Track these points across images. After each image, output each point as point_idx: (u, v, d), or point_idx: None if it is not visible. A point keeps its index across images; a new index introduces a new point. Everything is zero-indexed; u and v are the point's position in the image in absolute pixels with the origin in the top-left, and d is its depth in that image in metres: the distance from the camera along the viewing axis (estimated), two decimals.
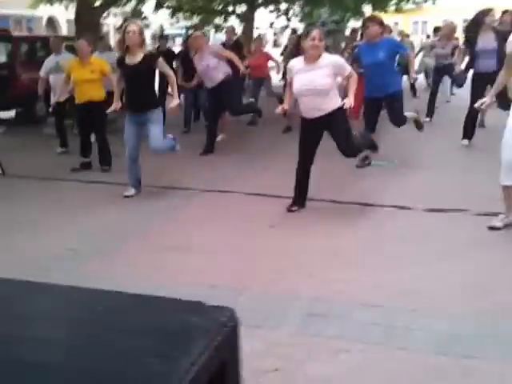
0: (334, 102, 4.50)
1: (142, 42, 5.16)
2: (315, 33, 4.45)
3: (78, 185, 5.99)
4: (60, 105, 7.15)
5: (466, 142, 7.12)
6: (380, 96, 5.86)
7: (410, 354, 2.61)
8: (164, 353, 1.40)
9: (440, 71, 9.35)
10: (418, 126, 6.55)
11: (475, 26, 6.72)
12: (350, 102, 4.46)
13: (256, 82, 9.38)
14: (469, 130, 7.07)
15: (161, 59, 5.30)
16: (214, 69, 6.86)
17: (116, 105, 6.00)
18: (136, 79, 5.11)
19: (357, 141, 4.89)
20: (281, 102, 8.66)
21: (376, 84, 5.78)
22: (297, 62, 4.62)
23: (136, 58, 5.13)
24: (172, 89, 5.57)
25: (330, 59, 4.56)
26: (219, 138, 7.79)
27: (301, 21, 18.20)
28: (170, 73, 5.48)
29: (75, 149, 6.92)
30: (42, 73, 7.64)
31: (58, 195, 5.62)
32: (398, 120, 6.05)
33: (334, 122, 4.52)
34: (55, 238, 4.31)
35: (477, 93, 6.27)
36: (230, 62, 7.06)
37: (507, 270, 3.51)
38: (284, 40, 18.20)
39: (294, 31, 14.53)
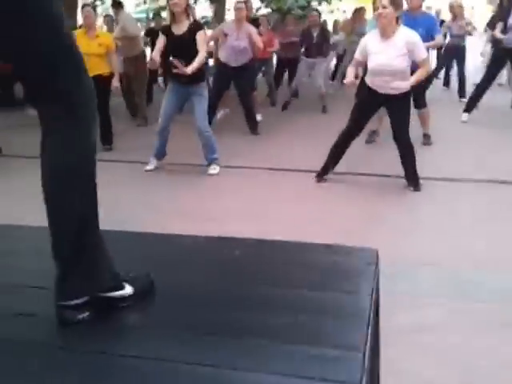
0: (405, 85, 4.35)
1: (187, 10, 5.00)
2: None
3: None
4: None
5: (465, 116, 7.23)
6: None
7: (486, 305, 2.79)
8: (341, 287, 1.49)
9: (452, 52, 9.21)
10: None
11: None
12: (408, 83, 4.33)
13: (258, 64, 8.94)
14: (471, 104, 7.18)
15: (203, 31, 5.09)
16: (244, 50, 6.69)
17: (116, 82, 6.05)
18: (182, 49, 4.92)
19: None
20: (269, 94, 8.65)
21: None
22: (371, 38, 4.49)
23: (182, 27, 4.99)
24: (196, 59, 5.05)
25: (406, 37, 4.31)
26: (220, 113, 7.64)
27: (267, 6, 18.12)
28: (203, 47, 5.11)
29: None
30: None
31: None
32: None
33: (399, 105, 4.47)
34: None
35: (496, 68, 6.40)
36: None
37: None
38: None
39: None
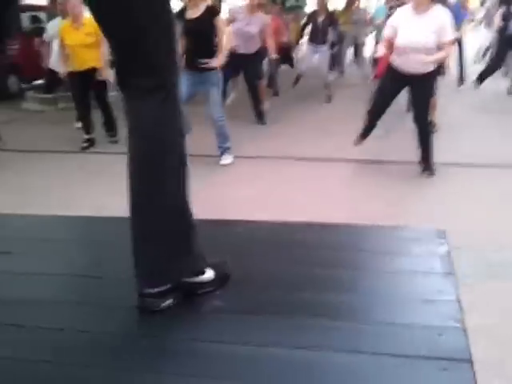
0: (429, 59, 4.31)
1: None
2: None
3: (91, 156, 5.80)
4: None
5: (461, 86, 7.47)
6: None
7: None
8: (423, 268, 1.48)
9: None
10: None
11: None
12: (431, 59, 4.30)
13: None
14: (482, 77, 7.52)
15: (221, 17, 4.95)
16: (254, 37, 6.54)
17: (103, 72, 5.78)
18: (197, 34, 4.77)
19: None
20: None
21: None
22: (403, 12, 4.42)
23: (198, 10, 4.81)
24: (220, 48, 4.97)
25: (439, 15, 4.28)
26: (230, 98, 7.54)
27: None
28: (225, 34, 4.98)
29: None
30: (46, 37, 7.26)
31: (67, 166, 5.47)
32: None
33: (422, 85, 4.46)
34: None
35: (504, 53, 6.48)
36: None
37: None
38: None
39: None
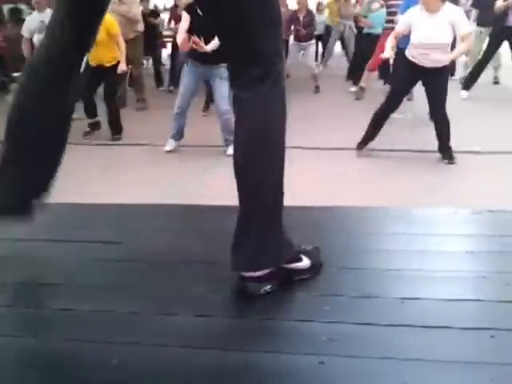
0: (445, 58, 4.50)
1: None
2: None
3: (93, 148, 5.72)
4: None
5: (465, 93, 7.42)
6: None
7: None
8: None
9: None
10: None
11: None
12: (453, 55, 4.55)
13: None
14: (471, 81, 7.39)
15: None
16: None
17: (122, 65, 5.80)
18: (208, 28, 4.72)
19: None
20: None
21: None
22: (417, 12, 4.56)
23: None
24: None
25: (450, 12, 4.45)
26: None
27: None
28: None
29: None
30: (24, 33, 7.00)
31: (74, 159, 5.34)
32: None
33: (437, 79, 4.56)
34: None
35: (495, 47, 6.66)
36: None
37: None
38: None
39: None
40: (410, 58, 4.64)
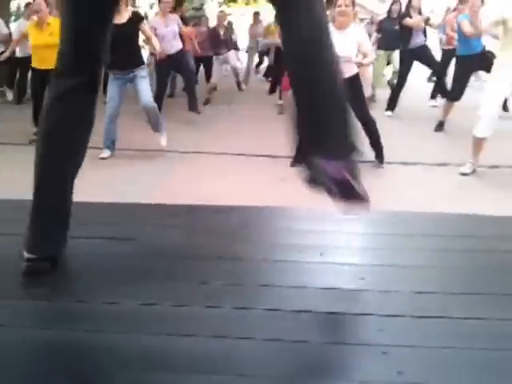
0: (354, 68, 4.72)
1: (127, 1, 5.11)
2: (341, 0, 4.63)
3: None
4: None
5: (389, 113, 7.56)
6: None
7: None
8: None
9: None
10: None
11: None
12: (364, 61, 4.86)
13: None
14: (392, 104, 7.69)
15: (146, 22, 5.37)
16: (176, 35, 6.99)
17: None
18: (123, 39, 4.87)
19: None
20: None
21: None
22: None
23: (122, 17, 5.08)
24: (153, 44, 5.81)
25: (358, 33, 4.77)
26: None
27: None
28: (152, 34, 5.81)
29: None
30: (15, 35, 7.32)
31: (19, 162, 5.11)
32: None
33: (351, 88, 4.74)
34: None
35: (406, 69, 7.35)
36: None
37: None
38: None
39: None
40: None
